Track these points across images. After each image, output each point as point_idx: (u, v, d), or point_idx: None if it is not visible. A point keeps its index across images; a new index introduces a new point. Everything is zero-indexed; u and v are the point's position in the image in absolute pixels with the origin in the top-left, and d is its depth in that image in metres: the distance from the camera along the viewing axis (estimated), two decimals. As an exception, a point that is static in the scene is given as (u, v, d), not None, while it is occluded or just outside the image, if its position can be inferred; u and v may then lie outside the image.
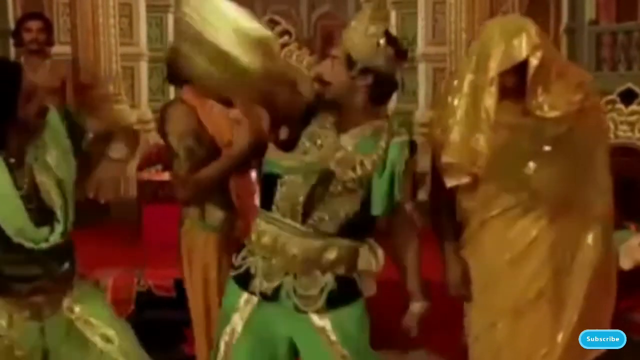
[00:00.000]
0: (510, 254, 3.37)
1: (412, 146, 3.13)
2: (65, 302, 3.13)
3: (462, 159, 3.32)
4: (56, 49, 6.49)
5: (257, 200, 3.51)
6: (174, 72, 3.71)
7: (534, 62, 3.21)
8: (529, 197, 3.34)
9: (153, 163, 6.54)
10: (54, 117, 3.12)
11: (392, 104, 8.04)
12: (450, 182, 3.36)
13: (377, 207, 3.10)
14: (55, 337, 3.12)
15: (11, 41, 7.03)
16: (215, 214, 3.73)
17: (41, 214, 3.04)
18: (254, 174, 3.80)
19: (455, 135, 3.33)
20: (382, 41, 3.05)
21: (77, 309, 3.14)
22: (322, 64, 3.18)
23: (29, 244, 2.99)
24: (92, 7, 7.41)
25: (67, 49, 7.23)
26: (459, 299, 3.50)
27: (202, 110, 3.70)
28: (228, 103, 3.69)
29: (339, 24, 8.23)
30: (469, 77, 3.33)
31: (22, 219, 2.99)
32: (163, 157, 6.40)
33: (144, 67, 8.04)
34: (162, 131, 3.72)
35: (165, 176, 6.27)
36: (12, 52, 7.67)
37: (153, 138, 7.02)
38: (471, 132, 3.30)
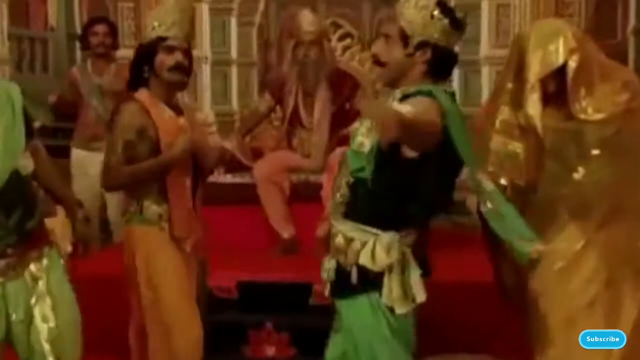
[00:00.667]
0: (561, 262, 3.30)
1: None
2: (32, 268, 3.31)
3: (500, 168, 3.26)
4: (121, 52, 6.57)
5: (189, 203, 3.87)
6: (136, 75, 3.89)
7: (572, 65, 3.14)
8: (579, 203, 3.26)
9: (215, 166, 6.56)
10: (13, 89, 3.23)
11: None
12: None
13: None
14: (17, 301, 3.28)
15: (78, 45, 7.15)
16: (152, 209, 3.83)
17: None
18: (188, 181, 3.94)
19: (494, 143, 3.28)
20: (435, 12, 2.92)
21: (40, 281, 3.32)
22: (376, 43, 3.07)
23: None
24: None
25: (131, 53, 7.28)
26: (514, 305, 3.45)
27: (154, 112, 3.83)
28: (178, 110, 3.92)
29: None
30: (508, 86, 3.28)
31: None
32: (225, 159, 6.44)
33: (206, 70, 8.09)
34: (110, 124, 3.87)
35: (227, 178, 6.29)
36: (79, 55, 7.80)
37: (215, 141, 7.06)
38: (510, 140, 3.24)
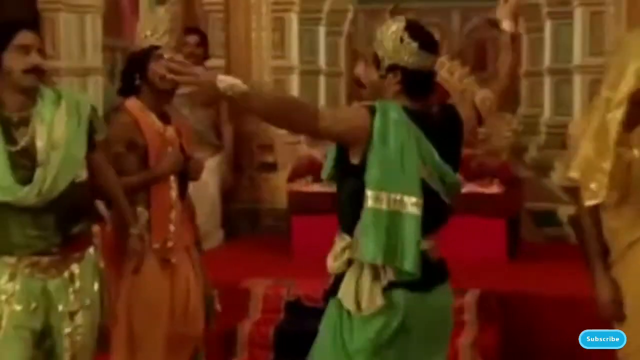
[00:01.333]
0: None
1: None
2: (72, 268, 3.46)
3: (586, 177, 3.16)
4: (211, 62, 6.63)
5: (172, 214, 4.04)
6: (127, 82, 4.07)
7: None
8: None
9: (303, 174, 6.57)
10: (82, 102, 3.46)
11: (546, 115, 7.86)
12: (588, 201, 3.21)
13: None
14: (58, 298, 3.43)
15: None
16: (144, 215, 4.01)
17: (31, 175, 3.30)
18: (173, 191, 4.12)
19: (582, 151, 3.20)
20: (404, 36, 3.10)
21: (77, 281, 3.48)
22: (357, 66, 3.30)
23: (6, 198, 3.28)
24: (246, 22, 7.54)
25: (221, 63, 7.36)
26: (610, 319, 3.35)
27: (142, 122, 4.01)
28: (167, 119, 4.10)
29: (491, 36, 8.11)
30: (604, 93, 3.19)
31: (2, 170, 3.26)
32: (313, 168, 6.44)
33: (295, 80, 8.12)
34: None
35: (316, 187, 6.29)
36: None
37: (303, 150, 7.08)
38: (599, 150, 3.14)
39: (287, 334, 5.12)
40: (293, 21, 8.03)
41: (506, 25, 3.45)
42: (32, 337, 3.43)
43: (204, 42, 6.43)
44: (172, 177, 4.13)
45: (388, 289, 3.06)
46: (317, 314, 5.15)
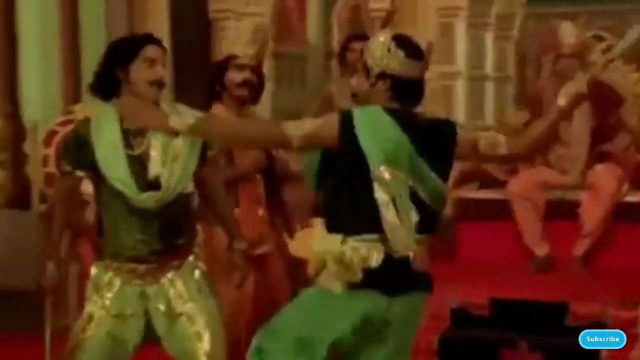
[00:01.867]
0: None
1: None
2: (169, 275, 3.54)
3: None
4: (377, 67, 6.63)
5: (260, 211, 4.25)
6: (210, 90, 4.30)
7: None
8: None
9: (469, 180, 6.51)
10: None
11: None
12: None
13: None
14: (156, 303, 3.52)
15: (333, 62, 7.31)
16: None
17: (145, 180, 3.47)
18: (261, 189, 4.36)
19: None
20: (391, 46, 3.26)
21: (176, 288, 3.54)
22: (353, 77, 3.46)
23: (127, 192, 3.44)
24: (412, 28, 7.51)
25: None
26: None
27: None
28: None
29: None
30: None
31: (125, 170, 3.44)
32: (478, 175, 6.36)
33: (461, 85, 8.03)
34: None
35: (480, 194, 6.22)
36: (335, 72, 7.96)
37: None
38: None
39: (453, 342, 5.07)
40: (460, 26, 7.95)
41: None
42: (118, 347, 3.54)
43: (370, 48, 6.44)
44: (258, 176, 4.34)
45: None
46: (484, 322, 5.13)
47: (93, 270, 3.59)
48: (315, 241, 3.41)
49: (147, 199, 3.45)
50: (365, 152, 3.21)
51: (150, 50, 3.48)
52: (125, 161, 3.46)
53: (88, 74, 7.40)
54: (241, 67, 4.22)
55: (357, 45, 6.34)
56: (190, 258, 3.63)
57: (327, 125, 3.28)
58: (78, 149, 3.53)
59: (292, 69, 8.66)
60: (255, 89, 4.29)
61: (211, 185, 3.73)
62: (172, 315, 3.55)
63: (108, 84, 3.52)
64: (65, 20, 7.36)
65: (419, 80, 3.35)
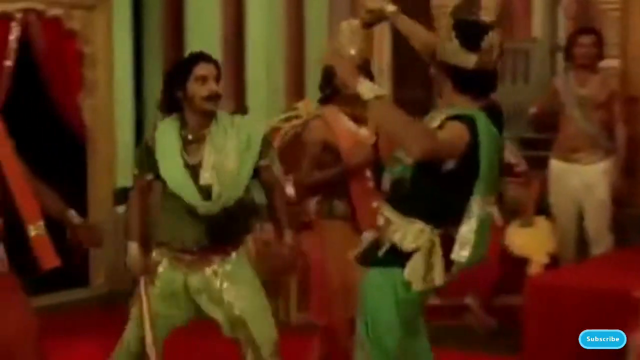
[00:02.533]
0: None
1: None
2: (213, 267, 3.92)
3: None
4: (605, 63, 6.38)
5: (372, 202, 4.27)
6: (323, 91, 4.59)
7: None
8: None
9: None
10: (254, 132, 3.98)
11: None
12: None
13: None
14: (198, 292, 3.94)
15: (560, 56, 7.08)
16: (340, 207, 4.56)
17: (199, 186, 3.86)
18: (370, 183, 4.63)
19: None
20: (452, 34, 3.31)
21: (218, 276, 3.91)
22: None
23: (185, 198, 3.85)
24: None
25: (615, 63, 7.06)
26: None
27: (335, 126, 4.54)
28: (362, 120, 4.54)
29: None
30: None
31: (180, 176, 3.85)
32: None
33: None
34: (303, 139, 4.74)
35: None
36: (561, 67, 7.72)
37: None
38: None
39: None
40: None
41: None
42: (162, 322, 3.98)
43: (599, 42, 6.20)
44: (367, 171, 4.62)
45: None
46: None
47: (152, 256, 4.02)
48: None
49: (199, 207, 3.86)
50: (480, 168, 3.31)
51: (201, 69, 3.86)
52: (182, 168, 3.87)
53: (311, 72, 7.57)
54: None
55: (585, 39, 6.13)
56: (234, 255, 3.96)
57: (461, 140, 3.26)
58: (145, 156, 3.96)
59: (516, 64, 8.48)
60: None
61: (270, 189, 4.06)
62: (213, 303, 3.94)
63: (172, 102, 3.93)
64: (291, 17, 7.52)
65: (475, 70, 3.30)
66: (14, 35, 6.06)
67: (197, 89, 3.83)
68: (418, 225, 3.37)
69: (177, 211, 3.91)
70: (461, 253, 3.38)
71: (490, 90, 3.39)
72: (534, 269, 6.03)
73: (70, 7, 6.36)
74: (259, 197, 4.12)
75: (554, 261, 6.11)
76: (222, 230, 3.91)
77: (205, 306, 3.97)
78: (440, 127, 3.27)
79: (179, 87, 3.87)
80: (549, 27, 8.47)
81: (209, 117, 3.90)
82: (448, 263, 3.41)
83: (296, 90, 7.54)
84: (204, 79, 3.85)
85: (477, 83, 3.33)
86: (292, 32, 7.55)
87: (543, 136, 6.81)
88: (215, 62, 3.95)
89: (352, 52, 4.38)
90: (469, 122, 3.25)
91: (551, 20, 8.39)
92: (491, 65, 3.33)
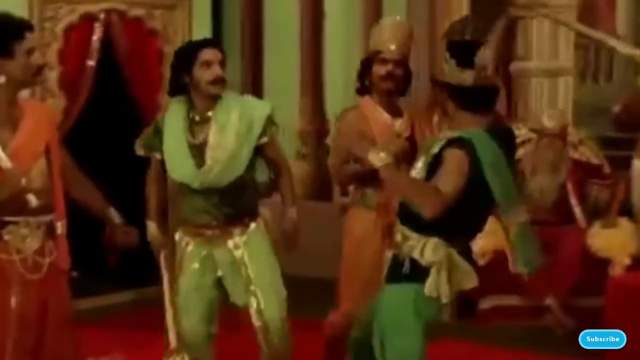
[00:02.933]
0: None
1: None
2: (235, 240, 4.15)
3: None
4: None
5: None
6: (360, 83, 4.60)
7: None
8: None
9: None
10: (256, 106, 4.18)
11: None
12: None
13: None
14: (221, 263, 4.17)
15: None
16: (370, 197, 4.53)
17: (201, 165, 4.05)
18: None
19: None
20: (447, 55, 3.54)
21: (240, 247, 4.15)
22: None
23: (184, 180, 4.06)
24: None
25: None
26: None
27: (372, 117, 4.54)
28: (397, 112, 4.56)
29: None
30: None
31: (183, 157, 4.01)
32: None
33: None
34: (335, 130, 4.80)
35: None
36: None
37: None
38: None
39: None
40: None
41: None
42: (199, 296, 4.18)
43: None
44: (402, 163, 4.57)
45: None
46: None
47: (176, 236, 4.25)
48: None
49: (191, 182, 4.07)
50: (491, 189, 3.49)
51: (206, 54, 4.03)
52: (185, 147, 4.06)
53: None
54: (385, 61, 4.47)
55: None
56: (253, 225, 4.20)
57: (463, 173, 3.41)
58: (153, 136, 4.18)
59: (598, 61, 8.33)
60: (400, 81, 4.52)
61: (274, 164, 4.25)
62: (235, 275, 4.17)
63: (179, 87, 4.11)
64: (368, 15, 7.50)
65: (473, 88, 3.48)
66: (96, 35, 6.16)
67: (202, 74, 4.02)
68: (433, 240, 3.52)
69: (185, 190, 4.13)
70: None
71: (491, 103, 3.57)
72: (615, 270, 5.91)
73: (151, 7, 6.44)
74: (262, 174, 4.28)
75: (637, 262, 5.99)
76: (233, 205, 4.13)
77: (228, 278, 4.19)
78: (439, 158, 3.47)
79: (186, 71, 4.06)
80: (634, 24, 8.30)
81: (214, 99, 4.09)
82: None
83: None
84: (209, 64, 4.02)
85: (477, 99, 3.51)
86: (370, 29, 7.54)
87: (626, 135, 6.68)
88: (219, 47, 4.16)
89: (392, 47, 4.45)
90: (468, 145, 3.44)
91: (636, 16, 8.22)
92: (488, 80, 3.52)
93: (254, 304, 4.16)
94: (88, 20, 6.13)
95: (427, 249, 3.52)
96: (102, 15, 6.18)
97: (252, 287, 4.17)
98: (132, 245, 3.76)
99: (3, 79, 3.18)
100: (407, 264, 3.57)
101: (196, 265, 4.17)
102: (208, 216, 4.14)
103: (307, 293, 6.76)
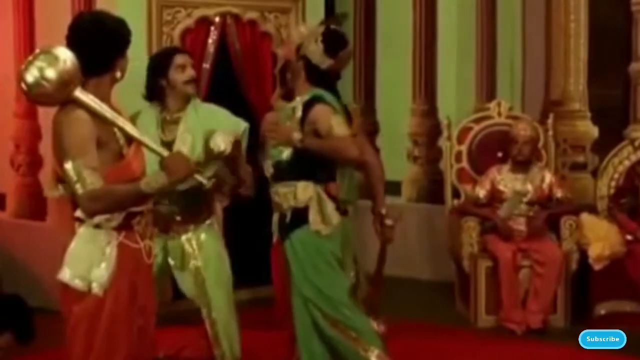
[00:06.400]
0: None
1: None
2: (188, 234, 4.58)
3: None
4: None
5: None
6: None
7: None
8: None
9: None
10: (214, 110, 4.69)
11: None
12: None
13: None
14: (173, 255, 4.60)
15: None
16: None
17: None
18: None
19: None
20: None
21: (192, 242, 4.58)
22: None
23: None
24: None
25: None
26: None
27: None
28: None
29: None
30: None
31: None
32: None
33: None
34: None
35: None
36: None
37: None
38: None
39: None
40: None
41: None
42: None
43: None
44: None
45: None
46: None
47: None
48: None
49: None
50: None
51: (180, 59, 4.61)
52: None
53: (502, 72, 7.46)
54: None
55: None
56: (207, 222, 4.62)
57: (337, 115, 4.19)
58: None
59: None
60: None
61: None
62: (183, 267, 4.58)
63: (156, 89, 4.58)
64: (483, 17, 7.44)
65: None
66: (212, 38, 6.28)
67: (178, 76, 4.55)
68: (301, 183, 4.15)
69: None
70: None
71: (330, 86, 4.23)
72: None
73: (265, 11, 6.52)
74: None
75: None
76: (190, 201, 4.48)
77: (177, 270, 4.60)
78: (306, 113, 4.13)
79: (162, 75, 4.56)
80: None
81: (186, 100, 4.59)
82: (339, 207, 4.20)
83: (487, 91, 7.46)
84: (183, 67, 4.58)
85: (325, 79, 4.21)
86: (484, 32, 7.48)
87: None
88: (188, 53, 4.79)
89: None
90: (322, 99, 4.15)
91: None
92: (339, 70, 4.29)
93: (202, 303, 4.57)
94: (204, 24, 6.25)
95: (298, 191, 4.15)
96: (217, 19, 6.28)
97: (200, 280, 4.55)
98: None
99: (119, 75, 3.28)
100: (288, 215, 4.18)
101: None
102: (167, 209, 4.48)
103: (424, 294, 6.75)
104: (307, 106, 4.15)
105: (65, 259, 3.23)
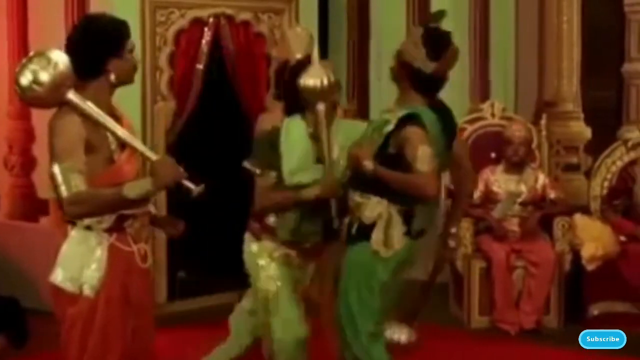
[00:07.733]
0: None
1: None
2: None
3: None
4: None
5: None
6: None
7: None
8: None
9: None
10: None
11: None
12: None
13: None
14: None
15: None
16: None
17: None
18: None
19: None
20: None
21: None
22: None
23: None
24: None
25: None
26: None
27: None
28: None
29: None
30: None
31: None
32: None
33: None
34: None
35: None
36: None
37: None
38: None
39: None
40: None
41: None
42: None
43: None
44: None
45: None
46: None
47: None
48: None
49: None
50: None
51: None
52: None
53: (495, 73, 7.46)
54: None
55: None
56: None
57: (427, 143, 3.82)
58: None
59: None
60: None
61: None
62: None
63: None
64: (476, 18, 7.46)
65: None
66: (205, 39, 6.28)
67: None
68: (374, 199, 3.92)
69: None
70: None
71: (438, 90, 3.97)
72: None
73: (258, 12, 6.52)
74: None
75: None
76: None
77: None
78: (398, 130, 3.83)
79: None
80: None
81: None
82: (410, 232, 3.95)
83: (481, 92, 7.47)
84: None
85: (430, 85, 3.91)
86: (478, 33, 7.49)
87: None
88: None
89: (298, 55, 4.55)
90: (418, 120, 3.82)
91: None
92: (445, 73, 3.92)
93: None
94: (198, 24, 6.25)
95: (367, 208, 3.93)
96: (211, 20, 6.29)
97: None
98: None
99: (113, 77, 3.25)
100: (355, 225, 3.98)
101: None
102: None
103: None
104: (401, 122, 3.84)
105: (57, 260, 3.23)
